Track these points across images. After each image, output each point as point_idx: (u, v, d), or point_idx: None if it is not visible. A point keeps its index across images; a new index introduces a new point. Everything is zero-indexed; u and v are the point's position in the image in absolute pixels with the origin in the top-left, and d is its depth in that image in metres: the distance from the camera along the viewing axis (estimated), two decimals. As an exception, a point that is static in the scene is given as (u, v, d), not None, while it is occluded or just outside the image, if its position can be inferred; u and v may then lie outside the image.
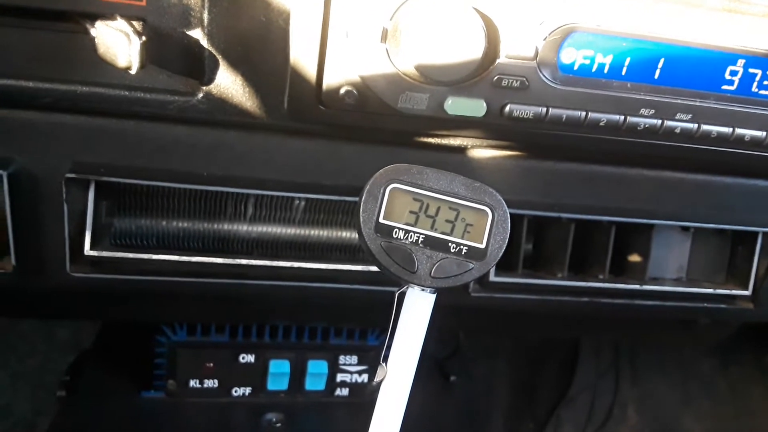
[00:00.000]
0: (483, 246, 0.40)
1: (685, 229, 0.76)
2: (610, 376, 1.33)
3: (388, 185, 0.39)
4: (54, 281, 0.60)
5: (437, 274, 0.40)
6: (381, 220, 0.39)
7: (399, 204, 0.39)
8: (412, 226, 0.39)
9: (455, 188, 0.40)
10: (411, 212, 0.39)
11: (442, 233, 0.39)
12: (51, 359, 1.19)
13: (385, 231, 0.39)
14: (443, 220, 0.39)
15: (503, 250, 0.40)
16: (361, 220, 0.39)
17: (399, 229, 0.39)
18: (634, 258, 0.75)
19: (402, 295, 0.41)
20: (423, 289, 0.40)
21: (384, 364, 0.41)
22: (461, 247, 0.39)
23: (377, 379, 0.42)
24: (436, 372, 1.08)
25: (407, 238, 0.39)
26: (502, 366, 1.30)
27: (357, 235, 0.43)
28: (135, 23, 0.48)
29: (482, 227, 0.39)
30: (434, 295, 0.41)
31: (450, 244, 0.39)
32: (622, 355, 1.34)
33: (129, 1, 0.48)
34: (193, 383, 0.89)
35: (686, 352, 1.32)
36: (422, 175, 0.39)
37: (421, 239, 0.39)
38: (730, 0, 0.51)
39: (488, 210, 0.40)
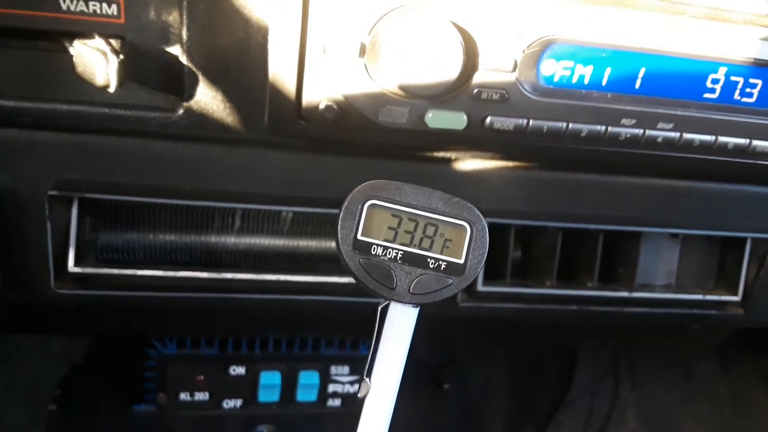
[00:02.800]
0: (462, 261, 0.39)
1: (674, 235, 0.76)
2: (609, 379, 1.32)
3: (365, 202, 0.39)
4: (39, 298, 0.60)
5: (416, 290, 0.39)
6: (359, 237, 0.39)
7: (377, 220, 0.39)
8: (391, 242, 0.39)
9: (433, 204, 0.39)
10: (389, 228, 0.39)
11: (421, 249, 0.39)
12: (45, 370, 1.19)
13: (364, 248, 0.39)
14: (422, 236, 0.39)
15: (482, 265, 0.40)
16: (340, 237, 0.39)
17: (377, 245, 0.39)
18: (623, 265, 0.74)
19: (385, 309, 0.41)
20: (406, 304, 0.40)
21: (367, 379, 0.41)
22: (440, 262, 0.39)
23: (361, 394, 0.42)
24: (430, 381, 1.08)
25: (386, 254, 0.39)
26: (500, 371, 1.30)
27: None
28: (113, 41, 0.48)
29: (461, 242, 0.39)
30: (417, 309, 0.40)
31: (429, 259, 0.39)
32: (620, 359, 1.33)
33: (107, 20, 0.48)
34: (184, 396, 0.88)
35: (685, 355, 1.32)
36: (400, 191, 0.39)
37: (399, 255, 0.39)
38: (711, 8, 0.51)
39: (467, 225, 0.39)
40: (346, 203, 0.39)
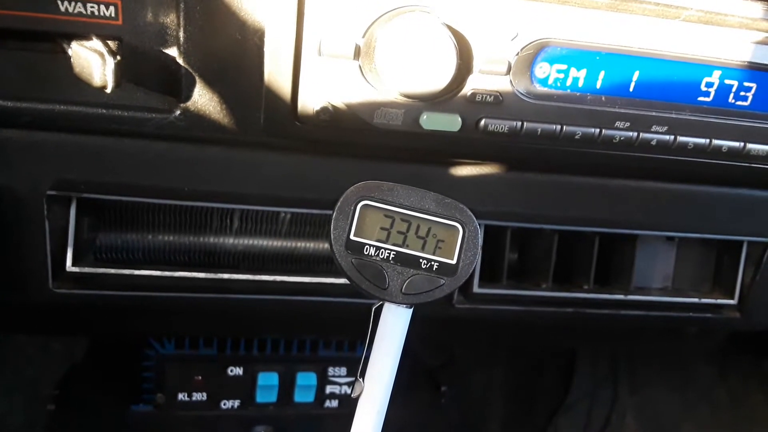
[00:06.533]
0: (454, 262, 0.40)
1: (670, 238, 0.76)
2: (608, 383, 1.32)
3: (358, 202, 0.39)
4: (37, 298, 0.60)
5: (408, 291, 0.40)
6: (352, 237, 0.39)
7: (370, 221, 0.39)
8: (384, 242, 0.39)
9: (426, 204, 0.40)
10: (382, 229, 0.39)
11: (414, 249, 0.40)
12: (46, 371, 1.19)
13: (356, 248, 0.39)
14: (414, 237, 0.40)
15: (474, 266, 0.40)
16: (332, 237, 0.39)
17: (370, 245, 0.39)
18: (619, 268, 0.74)
19: (379, 310, 0.41)
20: (399, 304, 0.40)
21: (361, 380, 0.42)
22: (432, 263, 0.40)
23: (354, 394, 0.42)
24: (428, 382, 1.08)
25: (378, 254, 0.39)
26: (499, 374, 1.30)
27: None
28: (110, 43, 0.48)
29: (453, 243, 0.40)
30: (410, 310, 0.41)
31: (421, 260, 0.40)
32: (620, 363, 1.33)
33: (105, 21, 0.48)
34: (182, 396, 0.89)
35: (685, 359, 1.31)
36: (393, 191, 0.40)
37: (392, 256, 0.39)
38: (705, 12, 0.51)
39: (459, 226, 0.40)
40: (339, 203, 0.39)
